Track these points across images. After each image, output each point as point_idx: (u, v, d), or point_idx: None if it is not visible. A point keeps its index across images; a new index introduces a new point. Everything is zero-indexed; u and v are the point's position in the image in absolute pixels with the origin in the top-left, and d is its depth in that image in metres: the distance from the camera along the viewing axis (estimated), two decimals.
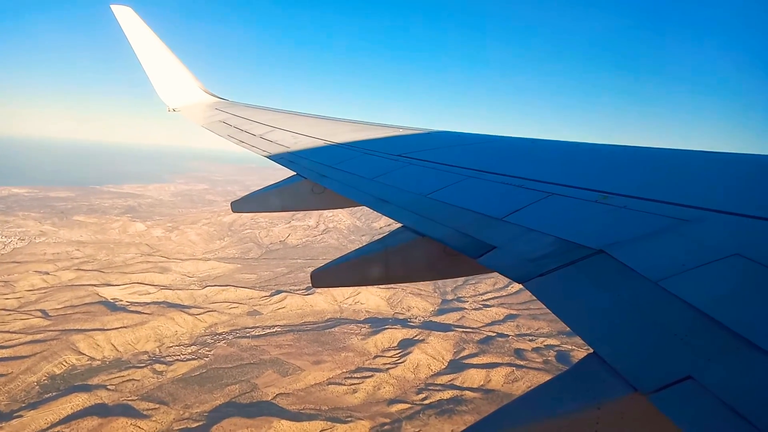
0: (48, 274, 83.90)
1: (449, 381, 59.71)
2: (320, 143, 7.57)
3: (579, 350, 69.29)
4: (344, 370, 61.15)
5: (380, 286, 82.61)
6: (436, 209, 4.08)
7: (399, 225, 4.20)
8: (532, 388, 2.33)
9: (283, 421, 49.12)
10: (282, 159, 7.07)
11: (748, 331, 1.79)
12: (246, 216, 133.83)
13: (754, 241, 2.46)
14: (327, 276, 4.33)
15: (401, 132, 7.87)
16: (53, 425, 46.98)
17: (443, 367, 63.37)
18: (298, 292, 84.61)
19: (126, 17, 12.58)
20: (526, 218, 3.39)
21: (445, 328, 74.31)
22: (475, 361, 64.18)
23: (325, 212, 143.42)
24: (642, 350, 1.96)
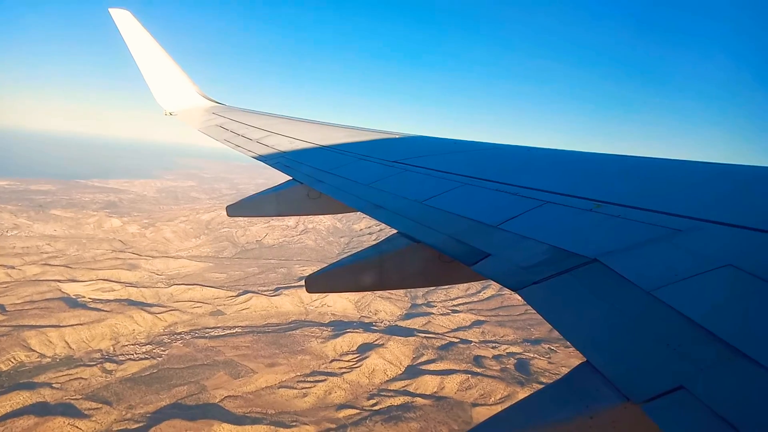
0: (13, 268, 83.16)
1: (403, 387, 59.28)
2: (316, 148, 7.66)
3: (540, 359, 69.12)
4: (298, 374, 60.67)
5: None
6: (432, 216, 4.10)
7: (387, 229, 4.25)
8: (525, 396, 2.30)
9: (225, 425, 48.65)
10: (278, 164, 7.09)
11: (740, 342, 1.79)
12: (224, 214, 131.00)
13: (746, 251, 2.46)
14: (321, 281, 4.36)
15: (397, 138, 7.96)
16: None
17: (399, 372, 62.97)
18: (265, 293, 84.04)
19: (124, 21, 12.63)
20: (521, 226, 3.42)
21: (408, 333, 73.88)
22: (431, 367, 63.76)
23: None
24: (634, 360, 1.96)
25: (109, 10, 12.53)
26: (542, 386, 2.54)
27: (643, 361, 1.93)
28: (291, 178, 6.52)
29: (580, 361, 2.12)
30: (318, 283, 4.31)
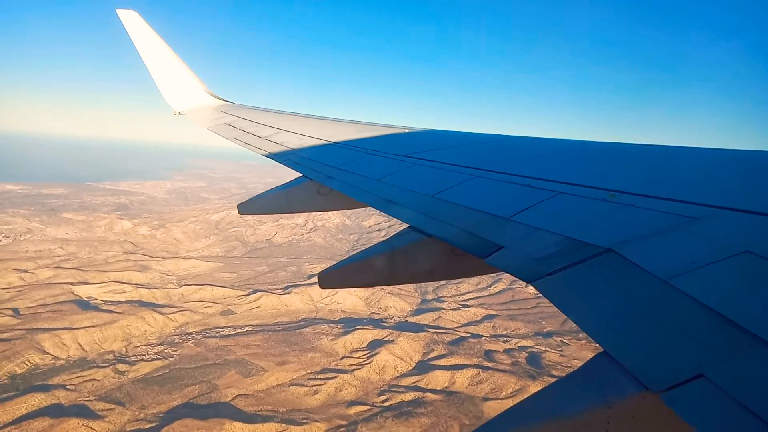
0: (26, 272, 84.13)
1: (413, 383, 59.14)
2: (325, 144, 7.67)
3: (552, 352, 68.63)
4: (308, 371, 60.76)
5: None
6: (443, 209, 4.10)
7: (396, 225, 4.28)
8: (543, 387, 2.29)
9: (236, 423, 48.82)
10: (288, 161, 7.12)
11: (760, 329, 1.78)
12: (233, 214, 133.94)
13: (764, 238, 2.43)
14: (334, 277, 4.37)
15: (406, 132, 7.95)
16: (4, 426, 46.85)
17: (410, 368, 62.83)
18: (275, 291, 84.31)
19: (132, 21, 12.75)
20: (534, 217, 3.41)
21: (418, 328, 73.70)
22: (442, 362, 63.52)
23: None
24: (652, 349, 1.95)
25: (117, 11, 12.64)
26: (554, 379, 2.46)
27: (661, 350, 1.91)
28: (301, 174, 6.53)
29: (593, 353, 2.11)
30: (331, 279, 4.32)
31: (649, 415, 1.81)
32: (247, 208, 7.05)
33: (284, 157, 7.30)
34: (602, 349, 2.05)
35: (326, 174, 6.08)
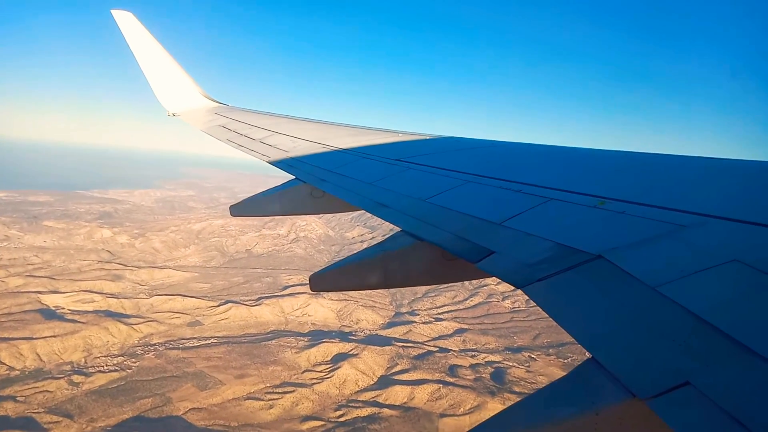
0: None
1: (372, 398, 58.54)
2: (319, 147, 7.67)
3: (518, 367, 68.00)
4: (267, 385, 60.12)
5: (333, 297, 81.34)
6: (435, 214, 4.10)
7: (379, 237, 4.30)
8: (530, 393, 2.26)
9: None
10: (281, 163, 7.10)
11: (747, 337, 1.80)
12: (216, 224, 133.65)
13: (752, 246, 2.45)
14: (325, 280, 4.37)
15: (400, 137, 7.96)
16: None
17: (371, 382, 62.21)
18: (246, 302, 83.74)
19: (127, 22, 12.71)
20: (525, 223, 3.41)
21: (386, 342, 73.13)
22: (404, 377, 62.98)
23: (298, 221, 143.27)
24: (640, 356, 1.96)
25: (112, 11, 12.59)
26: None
27: (649, 357, 1.91)
28: (294, 177, 6.49)
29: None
30: (322, 281, 4.30)
31: (636, 422, 1.81)
32: (239, 209, 6.95)
33: (277, 160, 7.28)
34: (576, 362, 1.98)
35: (319, 177, 6.09)
